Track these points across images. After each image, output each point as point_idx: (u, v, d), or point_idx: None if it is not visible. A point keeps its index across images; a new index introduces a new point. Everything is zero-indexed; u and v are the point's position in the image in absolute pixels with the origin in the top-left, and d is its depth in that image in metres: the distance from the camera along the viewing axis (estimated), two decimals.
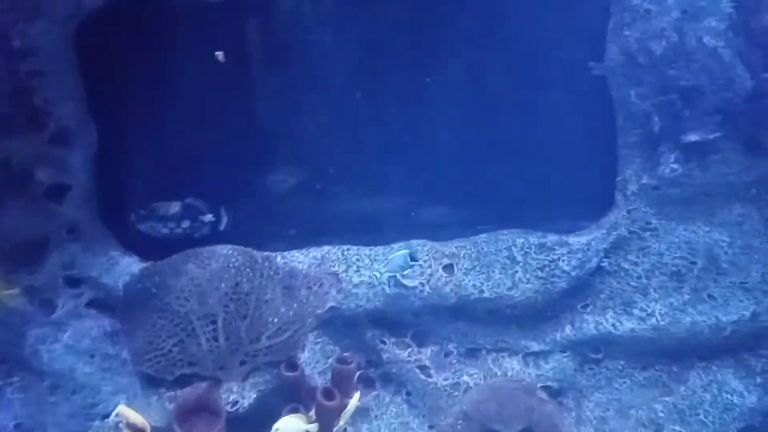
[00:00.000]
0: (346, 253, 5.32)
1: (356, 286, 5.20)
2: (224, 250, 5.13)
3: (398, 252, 5.16)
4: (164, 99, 5.21)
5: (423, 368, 5.28)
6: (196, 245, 5.18)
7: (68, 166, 5.10)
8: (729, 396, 5.11)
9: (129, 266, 5.20)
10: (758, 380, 5.08)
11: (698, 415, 5.11)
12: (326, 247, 5.37)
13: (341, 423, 4.79)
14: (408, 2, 5.39)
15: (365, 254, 5.30)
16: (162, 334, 5.07)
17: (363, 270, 5.24)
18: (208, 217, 5.32)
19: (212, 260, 5.09)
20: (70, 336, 5.13)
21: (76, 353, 5.13)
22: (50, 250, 5.16)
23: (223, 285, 5.05)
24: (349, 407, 4.81)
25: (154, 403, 5.07)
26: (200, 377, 5.09)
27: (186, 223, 5.28)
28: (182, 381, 5.12)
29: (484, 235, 5.37)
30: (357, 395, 4.91)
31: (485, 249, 5.27)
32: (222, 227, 5.36)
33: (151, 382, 5.12)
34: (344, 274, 5.23)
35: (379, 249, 5.32)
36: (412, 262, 5.13)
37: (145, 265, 5.16)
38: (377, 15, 5.38)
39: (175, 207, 5.27)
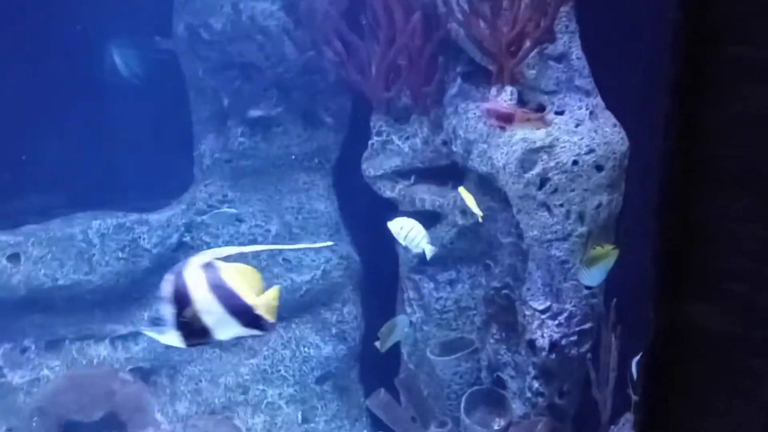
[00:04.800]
0: None
1: None
2: None
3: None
4: None
5: None
6: None
7: None
8: (307, 349, 4.74)
9: None
10: (333, 331, 4.79)
11: (279, 371, 4.65)
12: None
13: None
14: None
15: None
16: None
17: None
18: None
19: None
20: None
21: None
22: None
23: None
24: None
25: None
26: None
27: None
28: None
29: (57, 220, 4.38)
30: None
31: (58, 234, 4.29)
32: None
33: None
34: None
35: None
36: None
37: None
38: None
39: None
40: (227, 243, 4.57)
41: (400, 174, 4.19)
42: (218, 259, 2.24)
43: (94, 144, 4.84)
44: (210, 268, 2.20)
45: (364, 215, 4.82)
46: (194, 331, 2.22)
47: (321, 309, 4.80)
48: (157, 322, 2.21)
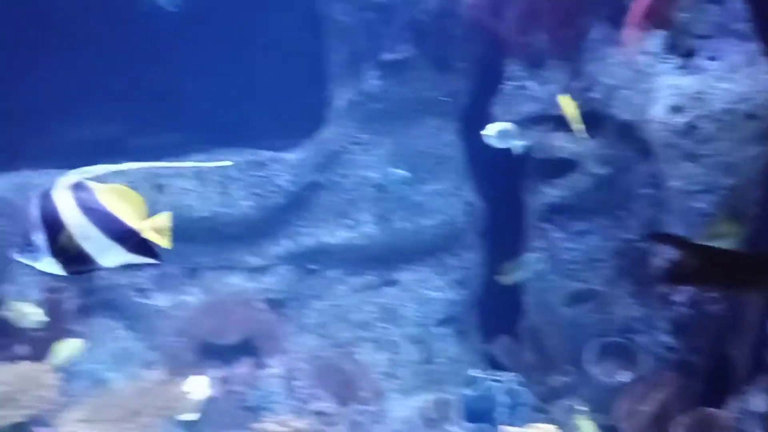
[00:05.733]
0: (46, 177, 4.32)
1: None
2: None
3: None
4: None
5: (142, 291, 4.47)
6: None
7: None
8: (430, 292, 4.85)
9: None
10: (455, 276, 4.84)
11: (402, 311, 4.75)
12: (26, 172, 4.34)
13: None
14: None
15: None
16: None
17: None
18: None
19: None
20: None
21: None
22: None
23: None
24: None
25: None
26: None
27: None
28: None
29: (199, 155, 4.63)
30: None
31: (201, 168, 4.55)
32: None
33: None
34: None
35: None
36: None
37: None
38: None
39: None
40: (357, 184, 4.69)
41: (534, 120, 4.15)
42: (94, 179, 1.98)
43: (229, 84, 5.02)
44: (81, 189, 1.96)
45: (492, 162, 4.81)
46: (73, 257, 1.99)
47: (444, 254, 4.86)
48: (29, 249, 1.96)
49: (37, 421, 2.91)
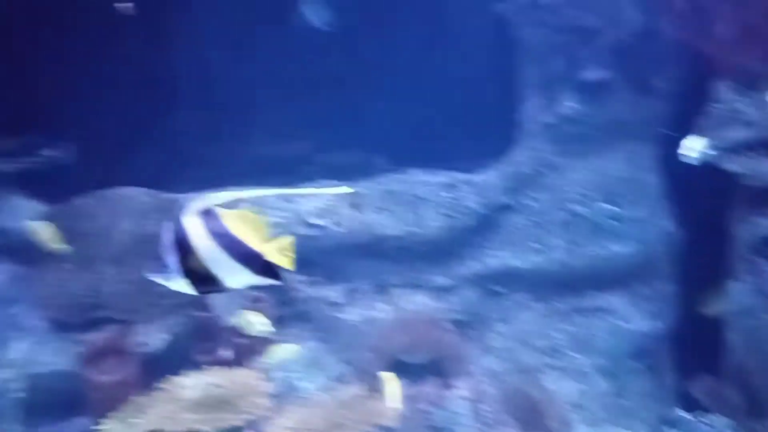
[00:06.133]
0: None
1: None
2: (129, 191, 4.34)
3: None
4: None
5: (334, 305, 4.64)
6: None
7: None
8: (621, 323, 4.64)
9: (29, 209, 4.37)
10: (650, 307, 4.63)
11: (591, 341, 4.61)
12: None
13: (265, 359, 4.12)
14: None
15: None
16: (70, 277, 4.29)
17: (271, 211, 4.55)
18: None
19: (118, 202, 4.32)
20: None
21: None
22: None
23: (129, 227, 4.29)
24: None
25: (64, 348, 4.29)
26: (111, 320, 4.35)
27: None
28: (92, 324, 4.37)
29: (393, 175, 4.75)
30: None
31: (392, 188, 4.66)
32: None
33: (61, 327, 4.34)
34: None
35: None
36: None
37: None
38: None
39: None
40: (549, 207, 4.61)
41: (746, 146, 3.88)
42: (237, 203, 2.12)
43: (420, 104, 5.14)
44: (209, 214, 2.10)
45: (694, 189, 4.56)
46: (202, 279, 2.13)
47: (638, 283, 4.66)
48: (163, 270, 2.11)
49: (249, 425, 3.09)
